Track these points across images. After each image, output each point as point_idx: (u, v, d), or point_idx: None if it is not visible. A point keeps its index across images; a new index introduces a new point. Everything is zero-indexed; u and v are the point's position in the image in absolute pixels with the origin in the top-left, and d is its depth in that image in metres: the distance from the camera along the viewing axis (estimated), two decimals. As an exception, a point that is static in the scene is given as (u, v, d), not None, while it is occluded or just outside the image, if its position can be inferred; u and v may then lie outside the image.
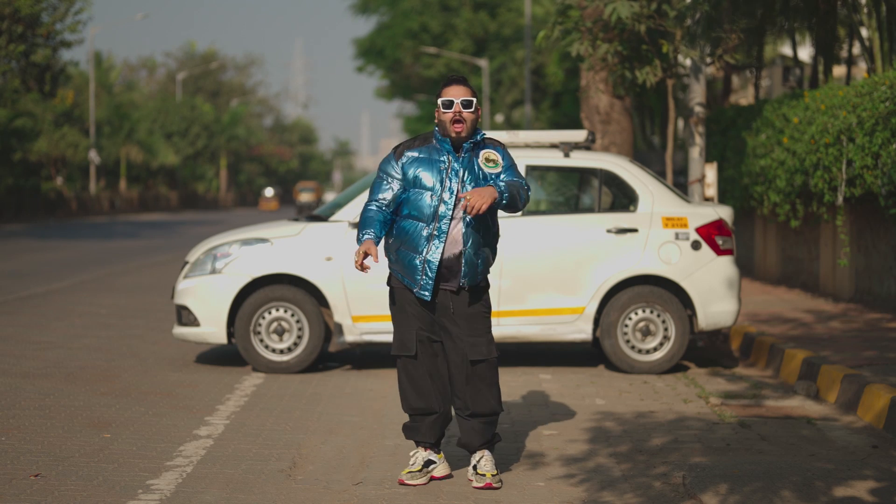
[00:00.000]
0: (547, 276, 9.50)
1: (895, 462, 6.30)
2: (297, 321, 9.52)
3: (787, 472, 5.92)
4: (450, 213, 5.79)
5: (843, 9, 15.93)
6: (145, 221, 51.24)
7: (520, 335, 9.53)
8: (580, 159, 9.81)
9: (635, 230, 9.56)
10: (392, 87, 59.78)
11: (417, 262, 5.83)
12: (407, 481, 5.90)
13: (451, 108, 5.81)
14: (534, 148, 9.85)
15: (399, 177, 5.88)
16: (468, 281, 5.85)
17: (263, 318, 9.52)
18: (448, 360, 5.97)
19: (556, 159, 9.77)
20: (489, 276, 9.26)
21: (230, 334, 9.60)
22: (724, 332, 10.65)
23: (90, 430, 7.14)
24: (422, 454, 5.99)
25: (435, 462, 6.01)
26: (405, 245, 5.88)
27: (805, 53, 26.12)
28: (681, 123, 22.70)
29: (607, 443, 6.86)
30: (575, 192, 10.41)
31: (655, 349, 9.57)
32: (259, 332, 9.51)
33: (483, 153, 5.89)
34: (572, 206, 10.42)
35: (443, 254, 5.81)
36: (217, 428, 7.25)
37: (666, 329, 9.56)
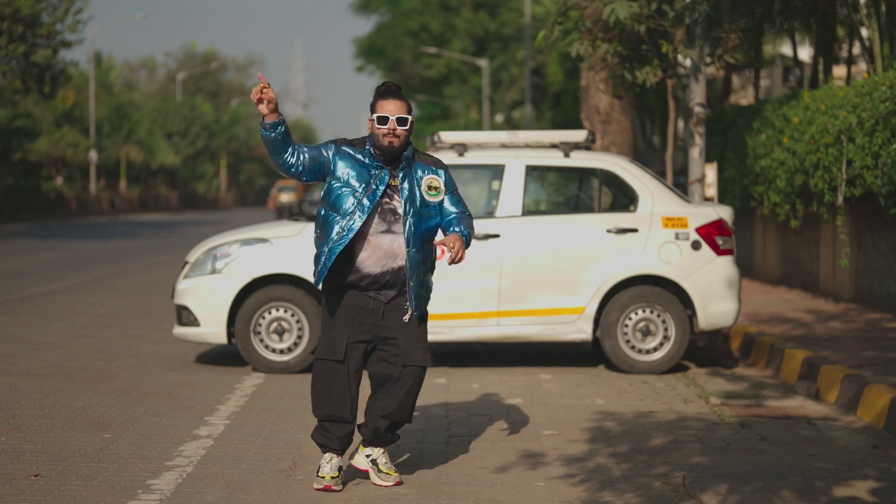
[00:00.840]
0: (547, 276, 9.50)
1: (895, 462, 6.30)
2: (297, 321, 9.52)
3: (787, 472, 5.92)
4: (365, 216, 5.72)
5: (842, 9, 15.92)
6: (145, 221, 51.24)
7: (520, 335, 9.52)
8: (580, 159, 9.81)
9: (635, 230, 9.56)
10: (392, 87, 59.71)
11: (324, 249, 5.79)
12: (333, 486, 5.82)
13: (385, 124, 5.75)
14: (534, 148, 9.85)
15: (327, 157, 5.80)
16: (417, 313, 5.84)
17: (263, 318, 9.52)
18: (387, 362, 5.90)
19: (556, 159, 9.77)
20: (489, 277, 9.26)
21: (230, 334, 9.59)
22: (725, 332, 10.65)
23: (90, 430, 7.14)
24: (335, 461, 5.89)
25: (343, 468, 5.95)
26: (321, 237, 5.85)
27: (805, 53, 26.10)
28: (681, 123, 22.70)
29: (607, 443, 6.86)
30: (575, 192, 10.41)
31: (655, 349, 9.57)
32: (259, 332, 9.51)
33: (426, 180, 5.84)
34: (572, 206, 10.42)
35: (376, 267, 5.78)
36: (217, 428, 7.25)
37: (666, 329, 9.56)
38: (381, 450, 6.00)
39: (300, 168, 5.79)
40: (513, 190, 9.61)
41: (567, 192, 10.56)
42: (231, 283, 9.53)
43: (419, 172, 5.86)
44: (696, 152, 12.33)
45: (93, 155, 57.93)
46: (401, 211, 5.78)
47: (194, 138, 78.85)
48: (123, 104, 70.07)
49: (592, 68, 13.56)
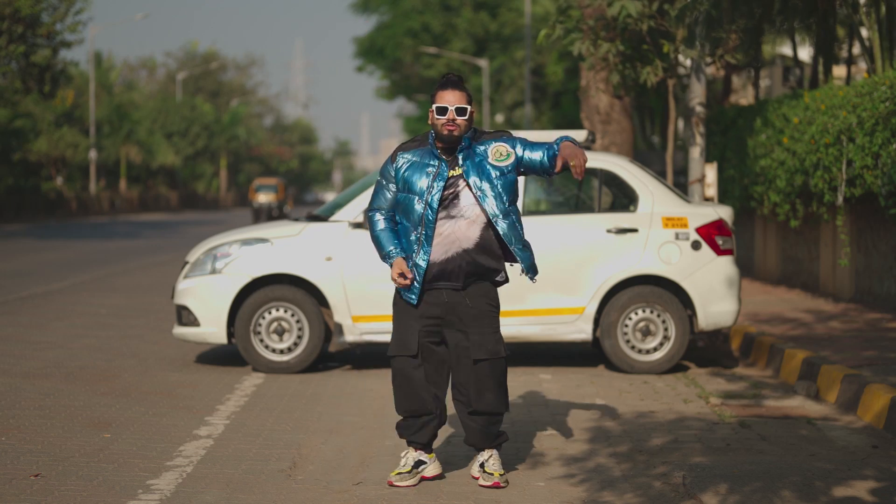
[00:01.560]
0: (547, 276, 9.49)
1: (895, 462, 6.30)
2: (297, 321, 9.52)
3: (787, 472, 5.92)
4: (434, 216, 5.78)
5: (842, 9, 15.92)
6: (145, 221, 51.25)
7: (520, 335, 9.52)
8: (580, 159, 9.79)
9: (635, 230, 9.56)
10: (392, 87, 59.77)
11: (409, 265, 5.86)
12: (396, 482, 5.87)
13: (445, 114, 5.79)
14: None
15: (394, 180, 5.91)
16: (532, 273, 5.92)
17: (263, 318, 9.52)
18: (455, 358, 5.94)
19: (556, 159, 9.75)
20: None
21: (230, 334, 9.59)
22: (724, 332, 10.64)
23: (90, 430, 7.14)
24: (412, 455, 5.97)
25: (426, 462, 5.99)
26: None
27: (805, 53, 26.10)
28: (681, 123, 22.70)
29: (607, 443, 6.86)
30: (575, 192, 10.41)
31: (655, 349, 9.57)
32: (259, 332, 9.51)
33: (491, 151, 5.87)
34: (572, 206, 10.42)
35: (440, 255, 5.81)
36: (217, 428, 7.25)
37: (666, 329, 9.56)
38: (491, 452, 5.98)
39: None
40: (513, 190, 9.60)
41: (567, 192, 10.55)
42: (231, 283, 9.53)
43: (481, 149, 5.89)
44: (696, 152, 12.32)
45: (93, 155, 57.94)
46: (469, 196, 5.80)
47: (194, 138, 78.84)
48: (123, 104, 70.06)
49: (593, 68, 13.57)
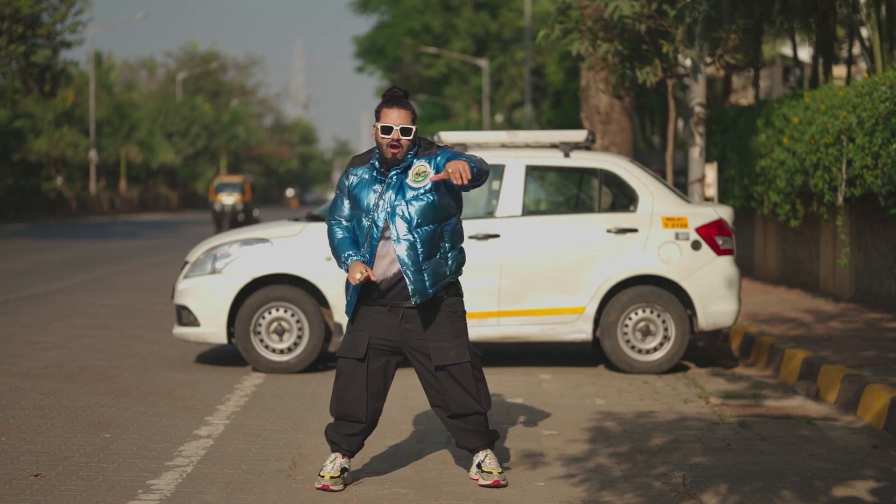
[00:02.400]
0: (547, 276, 9.50)
1: (895, 462, 6.30)
2: (297, 321, 9.52)
3: (787, 472, 5.92)
4: (379, 234, 5.77)
5: (842, 9, 15.92)
6: (145, 221, 51.24)
7: (520, 335, 9.52)
8: (580, 159, 9.81)
9: (635, 230, 9.56)
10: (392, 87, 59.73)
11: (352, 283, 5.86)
12: (332, 487, 5.81)
13: (389, 133, 5.76)
14: (534, 148, 9.85)
15: (347, 195, 5.92)
16: (419, 299, 5.77)
17: (263, 318, 9.52)
18: (424, 367, 5.92)
19: (556, 159, 9.77)
20: (489, 277, 9.22)
21: (230, 334, 9.60)
22: (724, 332, 10.64)
23: (90, 430, 7.14)
24: (340, 461, 5.89)
25: (348, 470, 5.93)
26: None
27: (805, 53, 26.11)
28: (681, 123, 22.72)
29: (607, 443, 6.86)
30: (575, 192, 10.41)
31: (655, 349, 9.57)
32: (259, 332, 9.51)
33: (414, 168, 5.83)
34: (572, 206, 10.42)
35: (385, 273, 5.79)
36: (217, 428, 7.25)
37: (666, 329, 9.56)
38: (486, 452, 5.97)
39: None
40: (513, 190, 9.61)
41: (567, 192, 10.55)
42: (231, 283, 9.53)
43: (412, 168, 5.86)
44: (696, 152, 12.32)
45: (93, 155, 57.93)
46: (386, 214, 5.78)
47: (194, 138, 78.84)
48: (123, 104, 70.07)
49: (593, 68, 13.56)
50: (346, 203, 5.91)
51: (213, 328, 9.56)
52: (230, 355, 10.39)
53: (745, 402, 8.19)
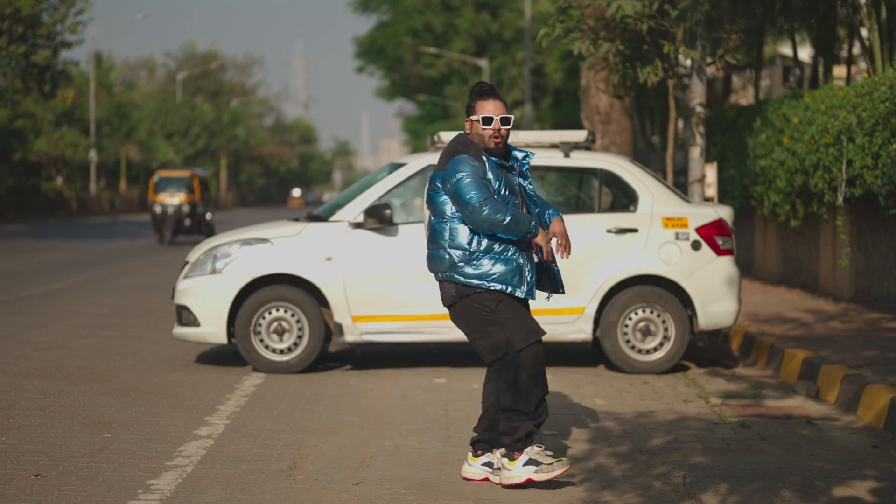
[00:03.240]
0: (547, 276, 9.48)
1: (895, 462, 6.30)
2: (297, 321, 9.52)
3: (787, 472, 5.92)
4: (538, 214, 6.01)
5: (842, 9, 15.93)
6: (145, 221, 51.24)
7: (520, 335, 9.50)
8: (580, 159, 9.81)
9: (635, 230, 9.56)
10: (392, 87, 59.77)
11: (521, 260, 5.89)
12: (568, 466, 5.82)
13: (490, 124, 5.82)
14: (534, 148, 9.85)
15: (487, 179, 5.82)
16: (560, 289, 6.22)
17: (263, 318, 9.52)
18: None
19: (556, 159, 9.76)
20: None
21: (230, 334, 9.60)
22: (724, 332, 10.64)
23: (90, 430, 7.14)
24: (535, 449, 5.87)
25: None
26: (501, 248, 5.86)
27: (805, 53, 26.11)
28: (681, 123, 22.72)
29: (607, 443, 6.86)
30: (575, 192, 10.41)
31: (655, 349, 9.57)
32: (259, 332, 9.51)
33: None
34: (572, 206, 10.42)
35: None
36: (217, 428, 7.25)
37: (666, 329, 9.56)
38: (498, 453, 6.00)
39: None
40: (513, 190, 9.60)
41: (567, 192, 10.55)
42: (231, 283, 9.53)
43: (523, 168, 6.06)
44: (696, 152, 12.32)
45: (93, 155, 57.93)
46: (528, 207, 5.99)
47: (194, 138, 78.85)
48: (123, 104, 70.07)
49: (593, 67, 13.57)
50: (486, 183, 5.79)
51: (213, 328, 9.56)
52: (230, 355, 10.39)
53: (745, 402, 8.19)
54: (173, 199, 30.79)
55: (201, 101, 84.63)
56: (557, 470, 5.81)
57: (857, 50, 20.72)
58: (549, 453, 5.90)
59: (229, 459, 6.43)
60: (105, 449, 6.63)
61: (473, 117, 5.84)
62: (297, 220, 10.04)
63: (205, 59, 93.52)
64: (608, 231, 9.55)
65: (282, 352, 9.52)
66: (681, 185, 18.00)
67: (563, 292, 6.19)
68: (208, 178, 33.79)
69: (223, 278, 9.55)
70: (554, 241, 6.02)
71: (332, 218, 9.61)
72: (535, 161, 9.72)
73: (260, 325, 9.51)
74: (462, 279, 5.86)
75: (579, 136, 9.85)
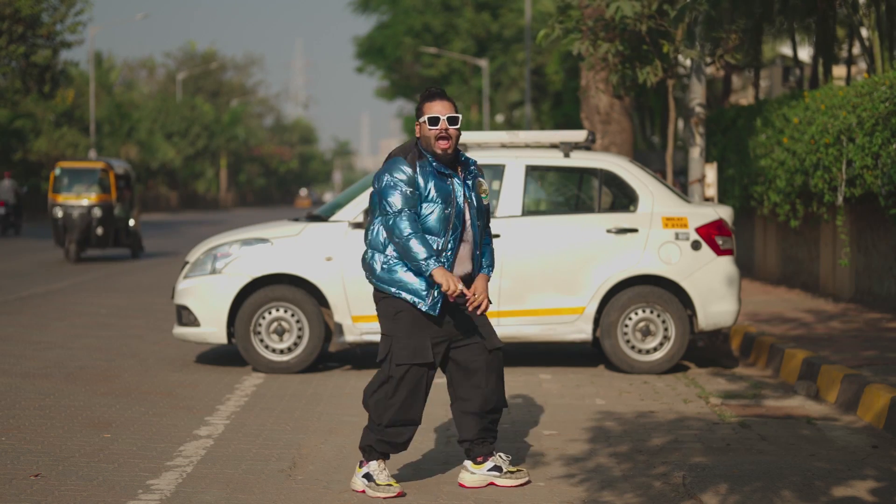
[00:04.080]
0: (547, 276, 9.50)
1: (895, 462, 6.30)
2: (297, 321, 9.52)
3: (787, 472, 5.92)
4: (460, 227, 5.73)
5: (842, 9, 15.93)
6: (145, 221, 51.22)
7: (520, 335, 9.52)
8: (580, 159, 9.81)
9: (635, 230, 9.56)
10: (392, 87, 59.79)
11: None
12: (401, 490, 5.73)
13: (437, 124, 5.70)
14: (534, 148, 9.85)
15: (414, 185, 5.66)
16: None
17: (263, 318, 9.52)
18: (462, 359, 5.84)
19: (556, 159, 9.77)
20: (492, 277, 9.23)
21: (230, 334, 9.60)
22: (724, 332, 10.65)
23: (90, 430, 7.14)
24: (384, 464, 5.79)
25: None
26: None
27: (805, 53, 26.12)
28: (681, 123, 22.73)
29: (607, 443, 6.86)
30: (575, 192, 10.41)
31: (655, 349, 9.57)
32: (259, 332, 9.51)
33: (478, 182, 5.86)
34: (572, 206, 10.42)
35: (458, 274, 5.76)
36: (217, 428, 7.25)
37: (666, 329, 9.56)
38: (497, 453, 5.97)
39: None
40: (513, 190, 9.61)
41: (567, 192, 10.55)
42: (231, 283, 9.53)
43: (471, 176, 5.86)
44: (696, 152, 12.33)
45: (93, 155, 57.92)
46: (468, 217, 5.77)
47: (194, 138, 78.84)
48: (123, 104, 70.06)
49: (593, 68, 13.57)
50: (411, 195, 5.63)
51: (213, 328, 9.56)
52: (230, 355, 10.39)
53: (745, 402, 8.19)
54: (80, 201, 22.81)
55: (201, 101, 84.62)
56: (521, 479, 5.90)
57: (857, 50, 20.72)
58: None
59: (229, 459, 6.43)
60: (105, 449, 6.63)
61: (421, 119, 5.73)
62: (297, 220, 10.04)
63: (205, 59, 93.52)
64: (608, 231, 9.56)
65: (282, 352, 9.52)
66: (681, 185, 18.01)
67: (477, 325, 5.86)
68: (131, 172, 24.58)
69: (223, 278, 9.55)
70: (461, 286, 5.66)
71: (332, 218, 9.62)
72: (535, 161, 9.73)
73: (260, 325, 9.51)
74: (377, 283, 5.79)
75: (579, 136, 9.85)
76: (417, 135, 5.81)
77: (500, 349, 5.92)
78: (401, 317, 5.71)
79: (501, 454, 5.98)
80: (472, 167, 5.88)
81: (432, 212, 5.68)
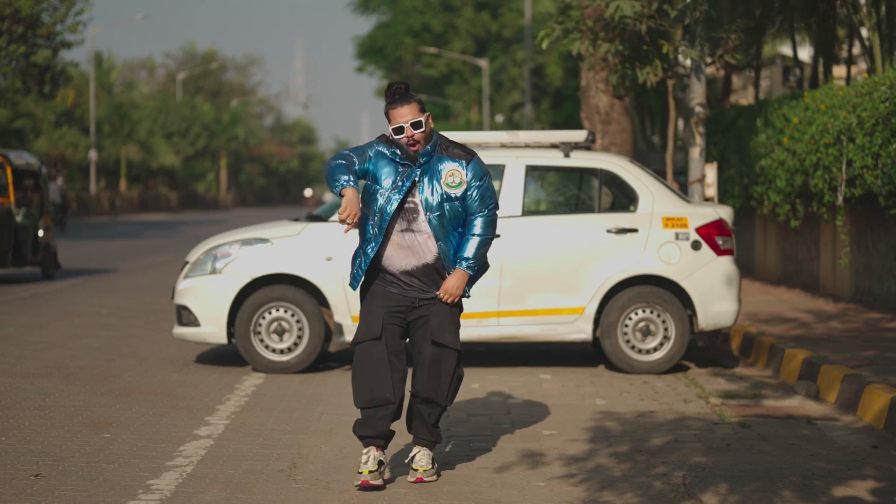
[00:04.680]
0: (547, 276, 9.50)
1: (895, 462, 6.30)
2: (298, 321, 9.52)
3: (787, 472, 5.92)
4: (390, 213, 5.75)
5: (842, 9, 15.93)
6: (146, 221, 51.24)
7: (520, 335, 9.52)
8: (580, 159, 9.81)
9: (635, 230, 9.56)
10: (392, 87, 59.71)
11: (359, 251, 5.86)
12: (371, 481, 5.77)
13: (402, 133, 5.74)
14: (534, 148, 9.85)
15: (364, 162, 5.82)
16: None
17: (263, 318, 9.52)
18: (416, 344, 5.93)
19: (556, 159, 9.76)
20: (489, 277, 9.25)
21: (230, 334, 9.60)
22: (724, 332, 10.65)
23: (90, 430, 7.14)
24: (374, 454, 5.85)
25: (385, 463, 5.91)
26: (360, 237, 5.91)
27: (805, 53, 26.12)
28: (681, 123, 22.72)
29: (607, 443, 6.86)
30: (575, 192, 10.41)
31: (655, 349, 9.57)
32: (259, 332, 9.51)
33: (446, 172, 5.82)
34: (572, 206, 10.42)
35: (402, 263, 5.81)
36: (217, 428, 7.25)
37: (666, 329, 9.56)
38: (421, 449, 5.98)
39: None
40: (513, 190, 9.61)
41: (567, 192, 10.55)
42: (231, 283, 9.53)
43: (440, 165, 5.85)
44: (696, 152, 12.32)
45: (93, 155, 57.95)
46: (421, 208, 5.79)
47: (194, 138, 78.84)
48: (123, 104, 70.07)
49: (593, 68, 13.57)
50: (357, 163, 5.77)
51: (213, 328, 9.56)
52: (230, 355, 10.40)
53: (745, 402, 8.19)
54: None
55: (201, 101, 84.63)
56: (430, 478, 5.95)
57: (857, 50, 20.72)
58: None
59: (229, 459, 6.43)
60: (105, 449, 6.63)
61: (389, 126, 5.80)
62: (297, 220, 10.04)
63: (205, 59, 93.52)
64: (608, 231, 9.55)
65: (282, 352, 9.52)
66: (681, 186, 18.01)
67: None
68: (41, 168, 18.60)
69: (223, 278, 9.55)
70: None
71: (332, 218, 9.62)
72: (535, 161, 9.73)
73: (260, 325, 9.51)
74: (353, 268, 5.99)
75: (579, 136, 9.85)
76: (389, 133, 5.87)
77: (447, 347, 5.87)
78: (363, 300, 5.95)
79: (426, 453, 5.98)
80: (441, 160, 5.84)
81: (375, 191, 5.81)
